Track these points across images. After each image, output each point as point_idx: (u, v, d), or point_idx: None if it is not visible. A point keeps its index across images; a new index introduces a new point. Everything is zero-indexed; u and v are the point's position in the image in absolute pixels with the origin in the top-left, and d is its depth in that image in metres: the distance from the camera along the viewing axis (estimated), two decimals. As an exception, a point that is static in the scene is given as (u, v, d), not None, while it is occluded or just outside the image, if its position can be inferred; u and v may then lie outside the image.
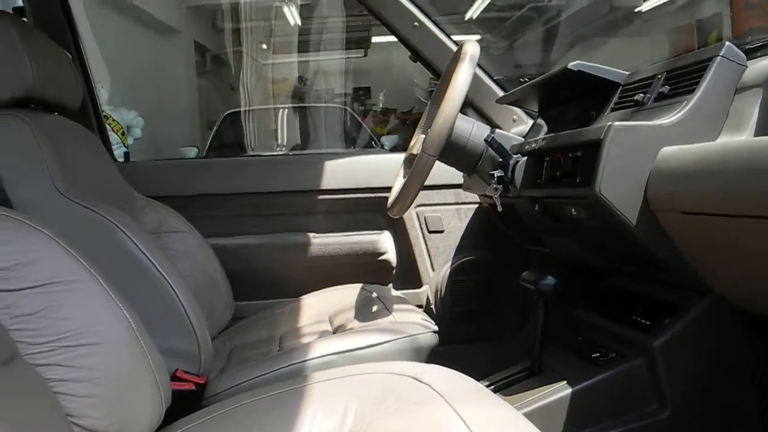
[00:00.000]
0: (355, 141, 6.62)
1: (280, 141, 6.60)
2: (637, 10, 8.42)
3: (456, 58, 1.57)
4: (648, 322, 1.28)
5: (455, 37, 2.14)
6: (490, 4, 10.04)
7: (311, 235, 2.16)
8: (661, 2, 7.96)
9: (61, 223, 1.42)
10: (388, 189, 1.80)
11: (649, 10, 8.24)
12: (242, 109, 7.18)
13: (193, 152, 6.31)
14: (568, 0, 9.55)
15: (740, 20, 7.12)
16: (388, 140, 6.62)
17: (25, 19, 2.09)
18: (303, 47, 10.88)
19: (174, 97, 8.34)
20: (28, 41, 1.56)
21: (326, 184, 2.16)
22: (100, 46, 5.63)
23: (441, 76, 1.84)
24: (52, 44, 1.76)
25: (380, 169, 2.17)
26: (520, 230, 1.88)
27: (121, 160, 2.24)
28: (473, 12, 10.47)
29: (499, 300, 2.17)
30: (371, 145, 6.44)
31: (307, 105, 7.27)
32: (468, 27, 11.03)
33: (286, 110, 6.90)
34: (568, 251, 1.64)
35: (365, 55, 12.47)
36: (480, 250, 2.17)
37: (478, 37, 11.33)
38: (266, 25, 9.76)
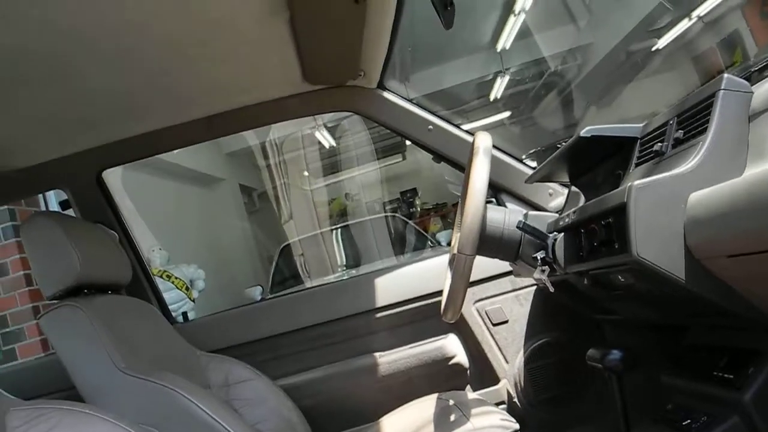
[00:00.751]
0: (409, 244, 6.64)
1: (339, 262, 6.68)
2: (654, 48, 8.42)
3: (471, 152, 1.58)
4: (732, 376, 1.19)
5: (484, 121, 2.17)
6: (510, 80, 10.23)
7: (377, 354, 2.13)
8: (676, 35, 7.94)
9: (125, 399, 1.47)
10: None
11: (666, 45, 8.23)
12: (297, 239, 7.33)
13: (257, 291, 6.42)
14: (584, 58, 9.64)
15: (760, 31, 7.03)
16: (443, 236, 6.62)
17: (71, 211, 2.24)
18: (343, 165, 11.21)
19: (230, 241, 8.61)
20: (72, 233, 1.65)
21: (382, 300, 2.16)
22: (152, 211, 5.92)
23: (464, 171, 1.86)
24: (96, 229, 1.87)
25: (430, 273, 2.16)
26: (584, 303, 1.82)
27: (180, 320, 2.29)
28: (496, 92, 10.67)
29: (581, 379, 2.07)
30: (427, 245, 6.45)
31: (355, 221, 7.37)
32: (495, 107, 11.22)
33: (337, 231, 7.02)
34: (634, 315, 1.57)
35: (404, 159, 12.75)
36: (550, 331, 2.10)
37: (507, 113, 11.48)
38: (303, 154, 10.14)
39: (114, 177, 2.30)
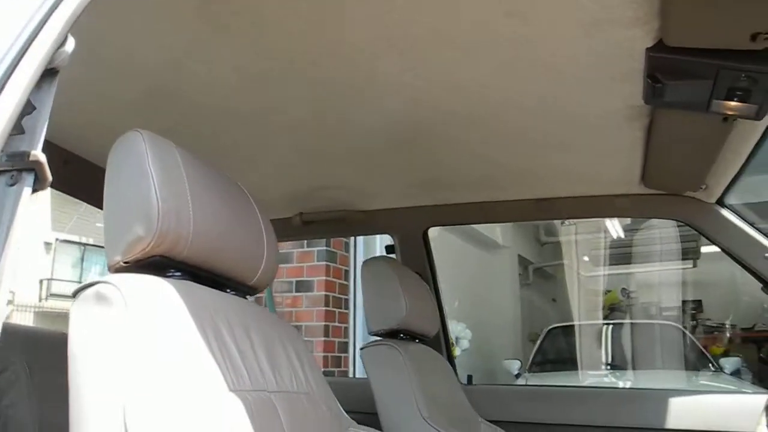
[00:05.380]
0: (687, 362, 6.10)
1: (605, 359, 6.38)
2: None
3: None
4: None
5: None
6: None
7: None
8: None
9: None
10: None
11: None
12: (566, 324, 7.18)
13: (516, 365, 6.40)
14: None
15: None
16: (728, 363, 5.98)
17: (393, 255, 2.49)
18: (626, 259, 10.72)
19: (498, 308, 8.69)
20: (404, 281, 1.85)
21: (672, 423, 2.05)
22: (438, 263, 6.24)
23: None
24: (418, 280, 2.06)
25: (730, 410, 2.00)
26: None
27: (464, 382, 2.40)
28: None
29: None
30: (708, 368, 5.87)
31: (634, 321, 6.96)
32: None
33: (611, 326, 6.72)
34: None
35: (694, 266, 11.77)
36: None
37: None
38: (588, 239, 9.93)
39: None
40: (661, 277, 11.10)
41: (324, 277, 4.36)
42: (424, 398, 1.66)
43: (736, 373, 6.01)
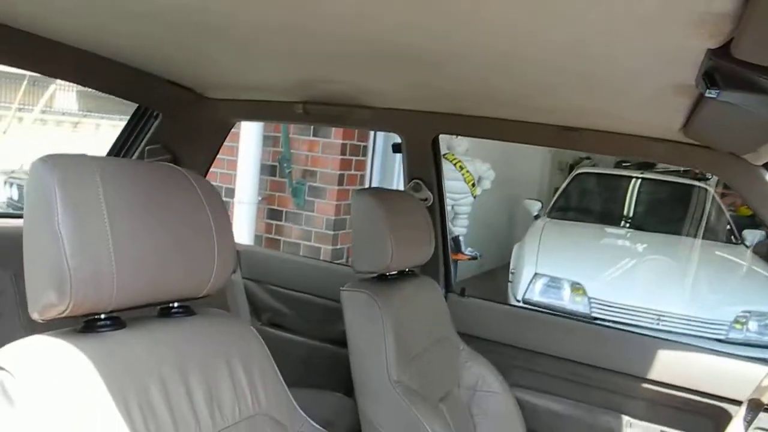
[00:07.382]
0: (708, 230, 5.86)
1: (626, 213, 6.23)
2: None
3: None
4: None
5: None
6: None
7: (626, 418, 2.05)
8: None
9: (381, 408, 1.60)
10: (727, 400, 1.77)
11: None
12: (595, 171, 6.91)
13: (537, 206, 6.31)
14: None
15: None
16: (750, 235, 5.76)
17: (399, 153, 2.32)
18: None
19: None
20: (392, 219, 1.72)
21: (655, 373, 2.01)
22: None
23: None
24: (413, 206, 1.92)
25: (722, 374, 1.94)
26: None
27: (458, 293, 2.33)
28: None
29: None
30: (730, 240, 5.70)
31: (663, 179, 6.55)
32: None
33: (639, 181, 6.42)
34: None
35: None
36: None
37: None
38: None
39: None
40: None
41: (343, 126, 4.17)
42: (395, 358, 1.61)
43: (757, 246, 5.81)
